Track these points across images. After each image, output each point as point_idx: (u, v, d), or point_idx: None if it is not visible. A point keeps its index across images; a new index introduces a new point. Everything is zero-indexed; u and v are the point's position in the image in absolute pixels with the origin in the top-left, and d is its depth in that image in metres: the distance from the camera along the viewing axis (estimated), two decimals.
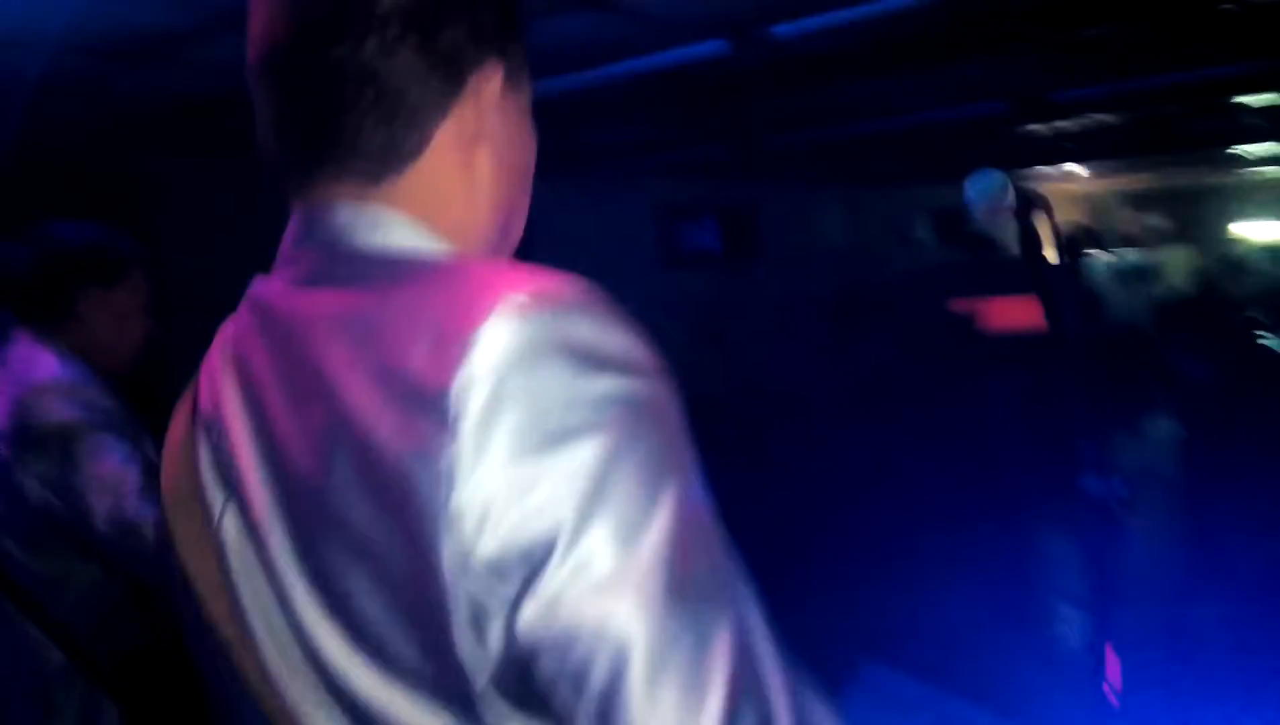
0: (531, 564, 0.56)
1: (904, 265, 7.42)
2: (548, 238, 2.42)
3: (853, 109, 4.55)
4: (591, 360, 0.59)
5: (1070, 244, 6.63)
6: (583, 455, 0.57)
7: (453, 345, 0.58)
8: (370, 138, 0.70)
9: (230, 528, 0.71)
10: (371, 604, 0.61)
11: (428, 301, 0.62)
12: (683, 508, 0.58)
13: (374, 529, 0.60)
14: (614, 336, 0.61)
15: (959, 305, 4.89)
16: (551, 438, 0.57)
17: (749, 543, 0.66)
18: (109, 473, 1.72)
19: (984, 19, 2.85)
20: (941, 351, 4.87)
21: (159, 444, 1.75)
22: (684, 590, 0.56)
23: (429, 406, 0.58)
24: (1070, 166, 8.46)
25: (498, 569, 0.57)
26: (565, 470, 0.57)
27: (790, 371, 6.64)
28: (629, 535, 0.56)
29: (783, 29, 2.83)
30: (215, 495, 0.72)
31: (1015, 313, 4.36)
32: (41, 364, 1.81)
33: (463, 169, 0.74)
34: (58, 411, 1.74)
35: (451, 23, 0.71)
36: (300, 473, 0.64)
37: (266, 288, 0.74)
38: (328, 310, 0.67)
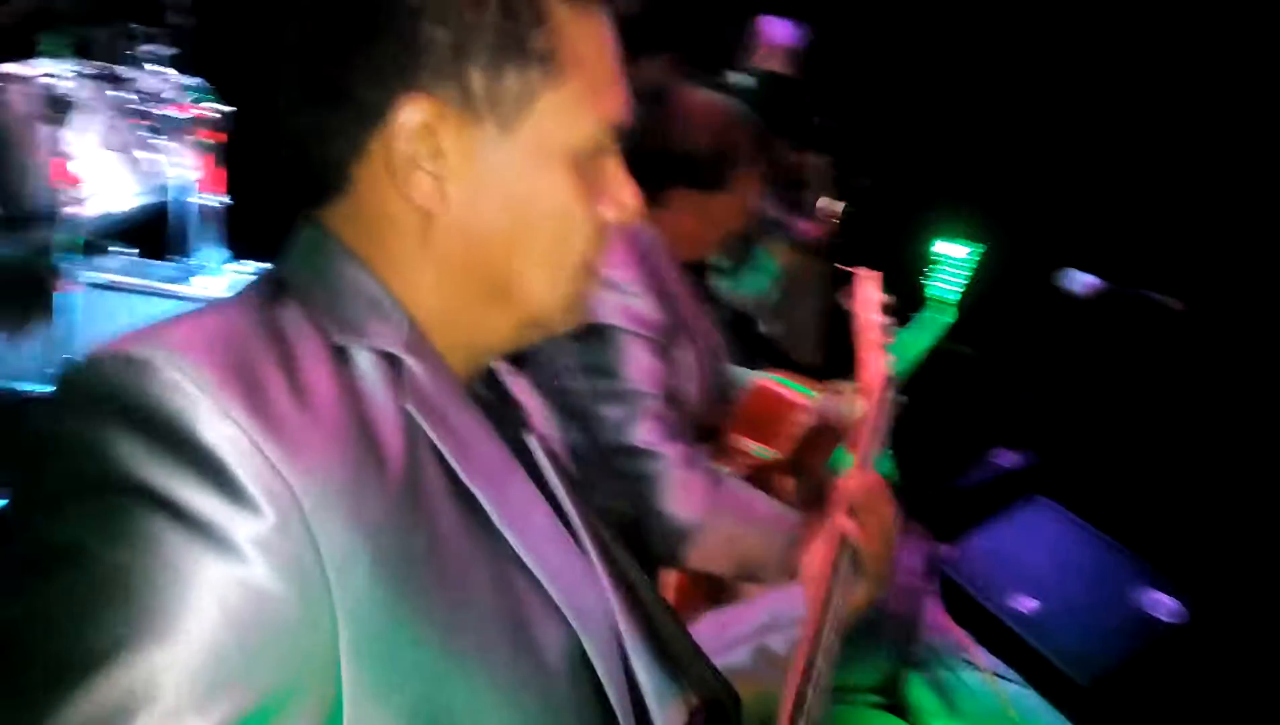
0: None
1: None
2: None
3: None
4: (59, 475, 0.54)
5: None
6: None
7: None
8: (303, 163, 0.71)
9: None
10: None
11: None
12: None
13: None
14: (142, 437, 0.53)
15: None
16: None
17: None
18: (628, 387, 1.76)
19: None
20: None
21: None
22: None
23: None
24: None
25: None
26: None
27: None
28: None
29: None
30: None
31: None
32: (611, 257, 1.88)
33: (398, 207, 0.69)
34: (605, 310, 1.77)
35: (338, 54, 0.68)
36: None
37: None
38: None
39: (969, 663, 2.87)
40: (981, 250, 2.22)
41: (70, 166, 2.53)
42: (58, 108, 2.51)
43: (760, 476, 1.98)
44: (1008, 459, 3.36)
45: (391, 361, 0.67)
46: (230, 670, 0.52)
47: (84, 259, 2.73)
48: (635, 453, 1.75)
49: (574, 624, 0.69)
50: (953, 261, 2.34)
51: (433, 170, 0.68)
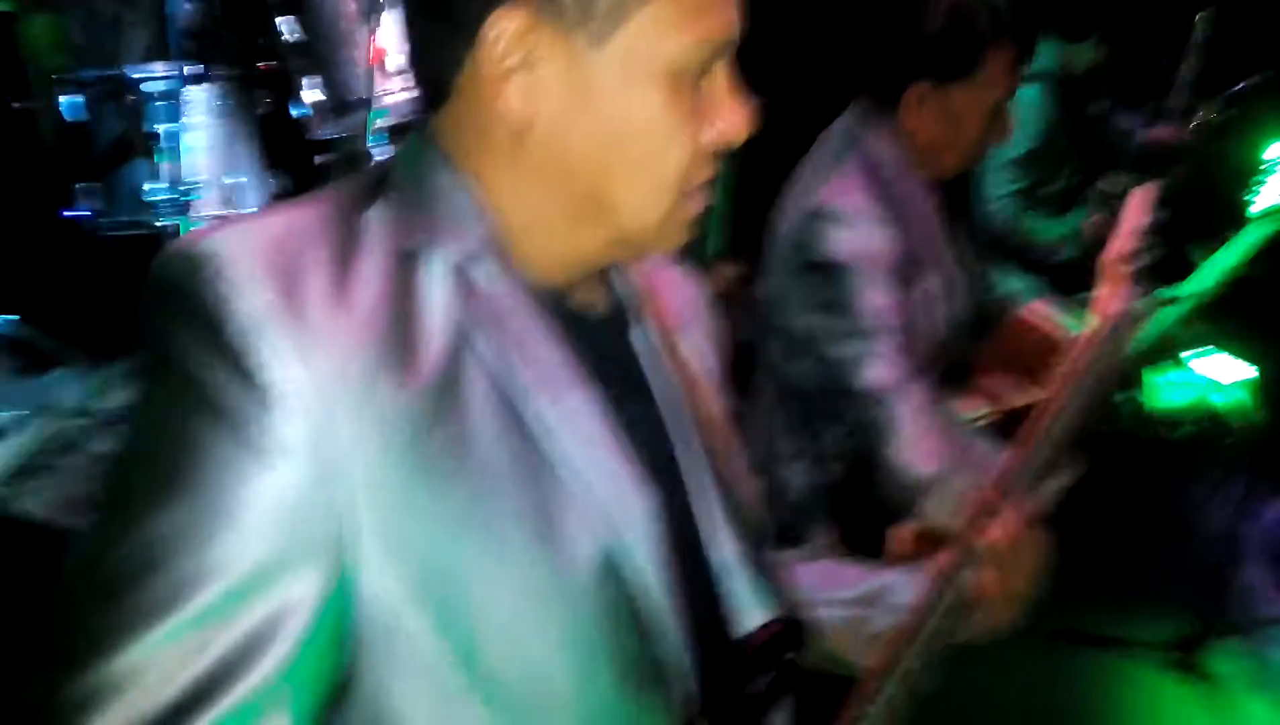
0: None
1: None
2: None
3: None
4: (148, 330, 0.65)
5: None
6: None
7: None
8: (416, 74, 0.77)
9: None
10: None
11: None
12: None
13: None
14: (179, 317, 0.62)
15: None
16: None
17: None
18: (859, 325, 1.58)
19: None
20: None
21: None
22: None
23: None
24: None
25: None
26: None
27: None
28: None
29: None
30: None
31: None
32: (841, 184, 1.64)
33: (493, 118, 0.71)
34: (834, 246, 1.60)
35: None
36: None
37: None
38: None
39: None
40: None
41: (385, 59, 2.83)
42: (374, 6, 2.83)
43: (1014, 425, 1.68)
44: None
45: (459, 269, 0.70)
46: (237, 538, 0.59)
47: (393, 140, 2.93)
48: (864, 397, 1.58)
49: (610, 531, 0.70)
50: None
51: (525, 82, 0.69)
